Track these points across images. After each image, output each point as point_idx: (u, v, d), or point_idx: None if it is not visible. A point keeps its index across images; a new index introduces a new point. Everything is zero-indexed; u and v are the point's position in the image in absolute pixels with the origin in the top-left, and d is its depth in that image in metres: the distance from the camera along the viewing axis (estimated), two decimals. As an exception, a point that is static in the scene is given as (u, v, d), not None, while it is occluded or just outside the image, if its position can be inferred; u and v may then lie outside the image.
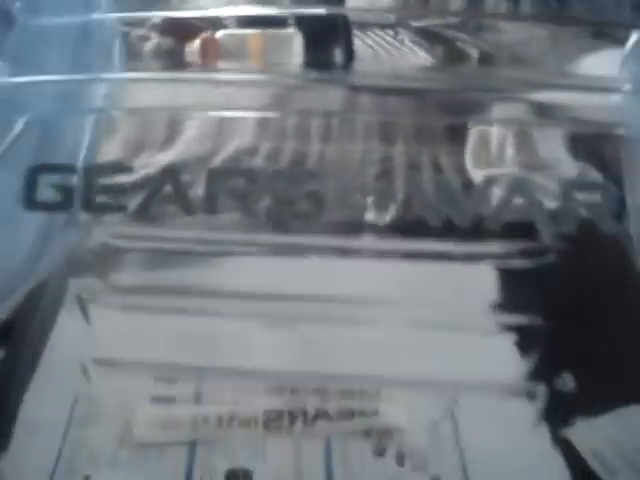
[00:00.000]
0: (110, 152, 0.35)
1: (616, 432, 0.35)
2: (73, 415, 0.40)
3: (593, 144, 0.37)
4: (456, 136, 0.39)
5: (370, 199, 0.34)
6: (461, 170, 0.37)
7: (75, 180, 0.31)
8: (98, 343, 0.39)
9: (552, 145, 0.38)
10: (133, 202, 0.32)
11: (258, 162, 0.35)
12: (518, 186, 0.33)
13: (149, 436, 0.40)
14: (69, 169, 0.31)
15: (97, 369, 0.39)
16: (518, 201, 0.33)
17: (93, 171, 0.32)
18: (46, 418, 0.39)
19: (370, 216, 0.34)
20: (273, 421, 0.39)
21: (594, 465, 0.34)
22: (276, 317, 0.37)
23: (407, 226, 0.34)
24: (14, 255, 0.34)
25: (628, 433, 0.35)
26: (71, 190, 0.31)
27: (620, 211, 0.33)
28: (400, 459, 0.37)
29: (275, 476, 0.38)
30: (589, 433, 0.35)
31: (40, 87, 0.32)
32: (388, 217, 0.34)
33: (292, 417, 0.39)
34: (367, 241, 0.34)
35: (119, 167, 0.33)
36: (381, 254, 0.35)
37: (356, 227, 0.34)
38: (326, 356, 0.38)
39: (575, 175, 0.37)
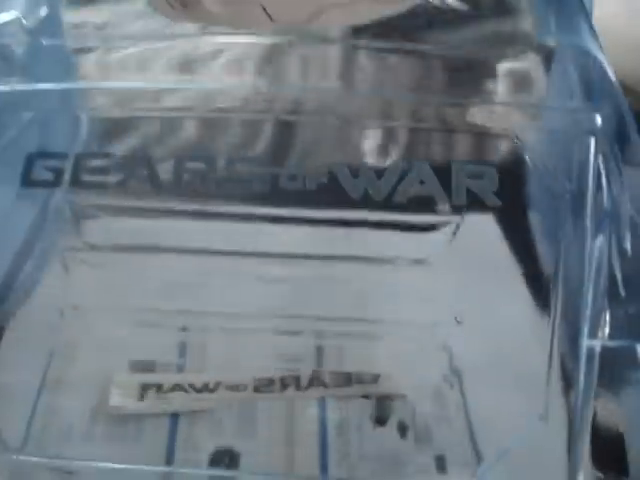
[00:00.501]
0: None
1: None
2: (46, 379, 0.36)
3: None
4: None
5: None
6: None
7: (66, 164, 0.36)
8: (77, 292, 0.38)
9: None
10: (113, 180, 0.36)
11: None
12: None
13: (126, 406, 0.36)
14: (62, 155, 0.37)
15: (75, 315, 0.37)
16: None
17: (82, 156, 0.37)
18: (16, 382, 0.35)
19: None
20: (264, 387, 0.36)
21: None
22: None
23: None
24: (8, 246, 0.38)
25: None
26: (62, 171, 0.36)
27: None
28: (402, 430, 0.34)
29: (264, 454, 0.34)
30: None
31: (42, 92, 0.37)
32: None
33: (284, 384, 0.36)
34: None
35: (103, 154, 0.38)
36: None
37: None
38: (319, 298, 0.36)
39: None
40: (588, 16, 0.36)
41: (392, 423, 0.34)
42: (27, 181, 0.36)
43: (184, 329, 0.37)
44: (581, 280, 0.32)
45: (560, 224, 0.33)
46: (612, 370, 0.31)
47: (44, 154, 0.37)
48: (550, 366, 0.32)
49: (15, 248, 0.37)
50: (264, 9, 0.36)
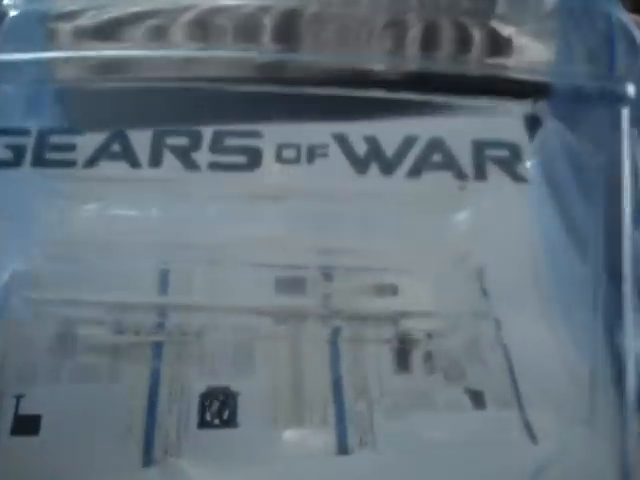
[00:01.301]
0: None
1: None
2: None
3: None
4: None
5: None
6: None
7: (27, 140, 0.33)
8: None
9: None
10: (82, 157, 0.32)
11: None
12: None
13: (100, 337, 0.31)
14: (22, 132, 0.33)
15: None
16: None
17: (45, 132, 0.33)
18: None
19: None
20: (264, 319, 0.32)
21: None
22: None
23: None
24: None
25: None
26: (23, 148, 0.32)
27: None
28: (429, 367, 0.31)
29: (267, 396, 0.30)
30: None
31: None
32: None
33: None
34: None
35: (70, 129, 0.34)
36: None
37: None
38: (326, 227, 0.33)
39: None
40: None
41: (417, 362, 0.31)
42: None
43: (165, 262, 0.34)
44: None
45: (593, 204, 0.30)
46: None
47: (1, 130, 0.33)
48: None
49: None
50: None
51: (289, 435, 0.29)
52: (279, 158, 0.32)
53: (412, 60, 0.32)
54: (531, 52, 0.33)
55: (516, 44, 0.33)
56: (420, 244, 0.32)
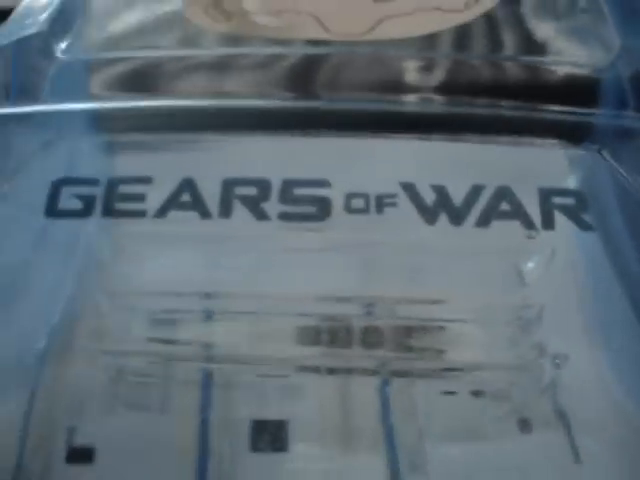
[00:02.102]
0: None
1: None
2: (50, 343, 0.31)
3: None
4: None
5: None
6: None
7: (97, 190, 0.33)
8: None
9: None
10: (152, 207, 0.33)
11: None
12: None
13: (149, 372, 0.31)
14: (92, 181, 0.33)
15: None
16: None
17: (115, 182, 0.33)
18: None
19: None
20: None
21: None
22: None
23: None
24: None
25: None
26: (93, 199, 0.32)
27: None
28: (476, 394, 0.30)
29: (317, 422, 0.30)
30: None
31: (66, 113, 0.35)
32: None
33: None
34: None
35: (139, 178, 0.34)
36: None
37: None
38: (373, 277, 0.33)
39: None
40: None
41: (463, 391, 0.30)
42: (52, 211, 0.32)
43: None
44: None
45: None
46: None
47: (71, 180, 0.33)
48: None
49: (43, 290, 0.32)
50: (318, 19, 0.34)
51: (340, 462, 0.29)
52: (348, 208, 0.31)
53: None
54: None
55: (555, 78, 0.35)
56: (489, 293, 0.32)
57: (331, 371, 0.31)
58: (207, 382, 0.31)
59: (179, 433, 0.29)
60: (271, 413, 0.30)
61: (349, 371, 0.31)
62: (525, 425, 0.29)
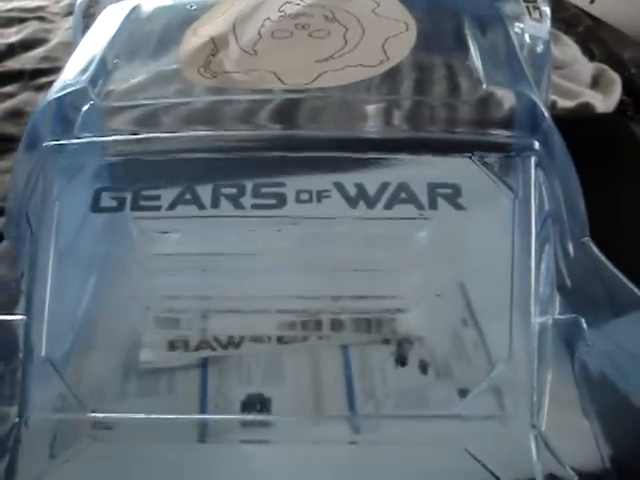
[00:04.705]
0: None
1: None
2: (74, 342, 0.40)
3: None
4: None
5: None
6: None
7: (126, 194, 0.45)
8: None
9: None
10: (165, 203, 0.45)
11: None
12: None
13: (157, 360, 0.39)
14: (122, 188, 0.46)
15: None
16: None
17: (139, 188, 0.46)
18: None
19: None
20: (287, 337, 0.39)
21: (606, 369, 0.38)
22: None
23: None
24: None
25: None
26: (124, 199, 0.45)
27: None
28: (423, 368, 0.38)
29: (294, 399, 0.38)
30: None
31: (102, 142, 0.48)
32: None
33: (305, 329, 0.39)
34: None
35: (156, 185, 0.46)
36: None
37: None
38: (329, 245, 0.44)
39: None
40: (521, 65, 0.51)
41: (413, 363, 0.38)
42: (95, 207, 0.45)
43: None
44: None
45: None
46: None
47: (109, 188, 0.46)
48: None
49: (85, 261, 0.44)
50: (276, 75, 0.47)
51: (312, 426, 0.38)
52: (298, 199, 0.44)
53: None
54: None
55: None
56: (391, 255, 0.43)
57: (305, 339, 0.39)
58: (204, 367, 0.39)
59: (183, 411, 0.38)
60: (256, 387, 0.38)
61: (320, 338, 0.39)
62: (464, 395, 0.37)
